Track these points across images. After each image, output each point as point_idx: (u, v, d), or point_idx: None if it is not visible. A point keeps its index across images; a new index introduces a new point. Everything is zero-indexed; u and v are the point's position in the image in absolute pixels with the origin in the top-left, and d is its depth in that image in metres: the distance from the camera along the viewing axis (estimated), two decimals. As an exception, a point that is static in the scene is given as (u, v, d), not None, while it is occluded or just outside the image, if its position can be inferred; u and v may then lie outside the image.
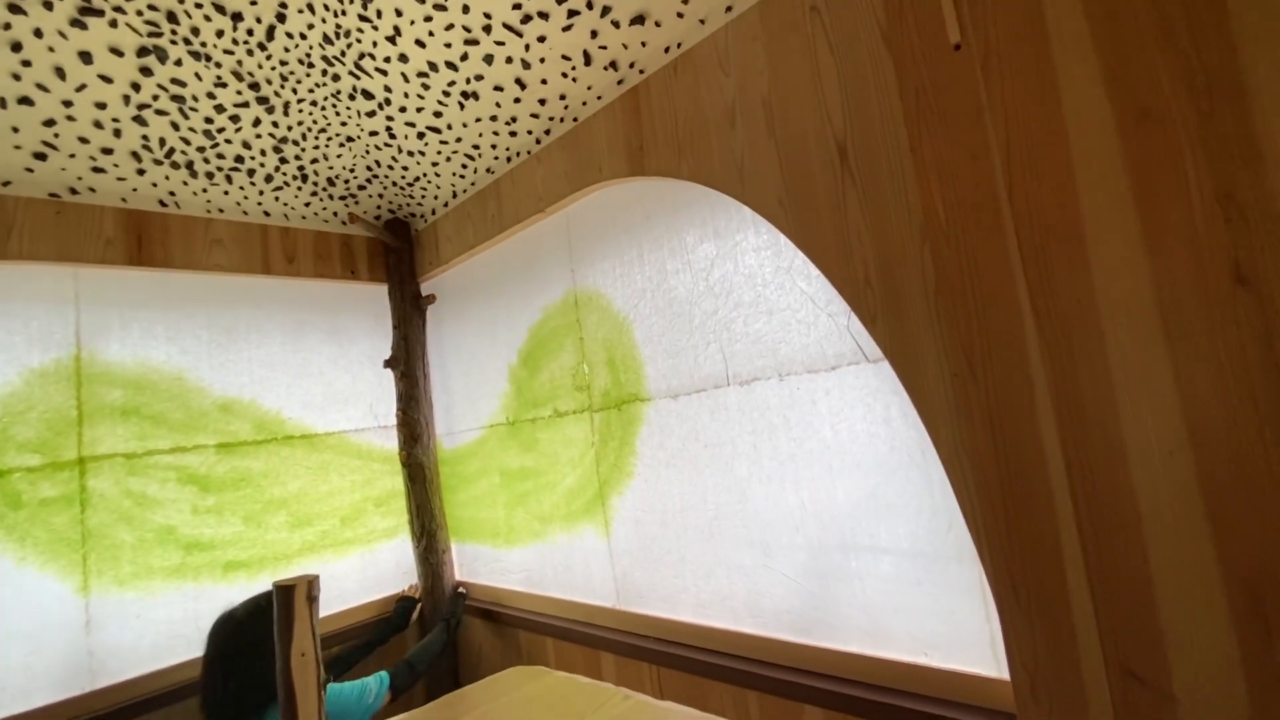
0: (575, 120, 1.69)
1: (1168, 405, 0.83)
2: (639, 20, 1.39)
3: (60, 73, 1.48)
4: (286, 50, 1.64)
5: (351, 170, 2.10)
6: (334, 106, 1.84)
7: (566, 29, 1.44)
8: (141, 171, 1.77)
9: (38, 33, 1.39)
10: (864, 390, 1.18)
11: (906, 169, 1.06)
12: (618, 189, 1.66)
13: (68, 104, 1.54)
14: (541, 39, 1.49)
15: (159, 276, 1.89)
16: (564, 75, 1.58)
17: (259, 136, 1.84)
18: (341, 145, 1.99)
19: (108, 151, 1.68)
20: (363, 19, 1.54)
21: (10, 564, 1.58)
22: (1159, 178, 0.83)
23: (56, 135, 1.60)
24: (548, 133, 1.77)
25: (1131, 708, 0.87)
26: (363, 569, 2.19)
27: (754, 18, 1.26)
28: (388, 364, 2.29)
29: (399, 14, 1.50)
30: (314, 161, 2.00)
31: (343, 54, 1.65)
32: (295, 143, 1.91)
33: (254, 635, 1.45)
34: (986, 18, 0.97)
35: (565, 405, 1.82)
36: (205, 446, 1.92)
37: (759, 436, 1.34)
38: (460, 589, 2.23)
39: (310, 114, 1.84)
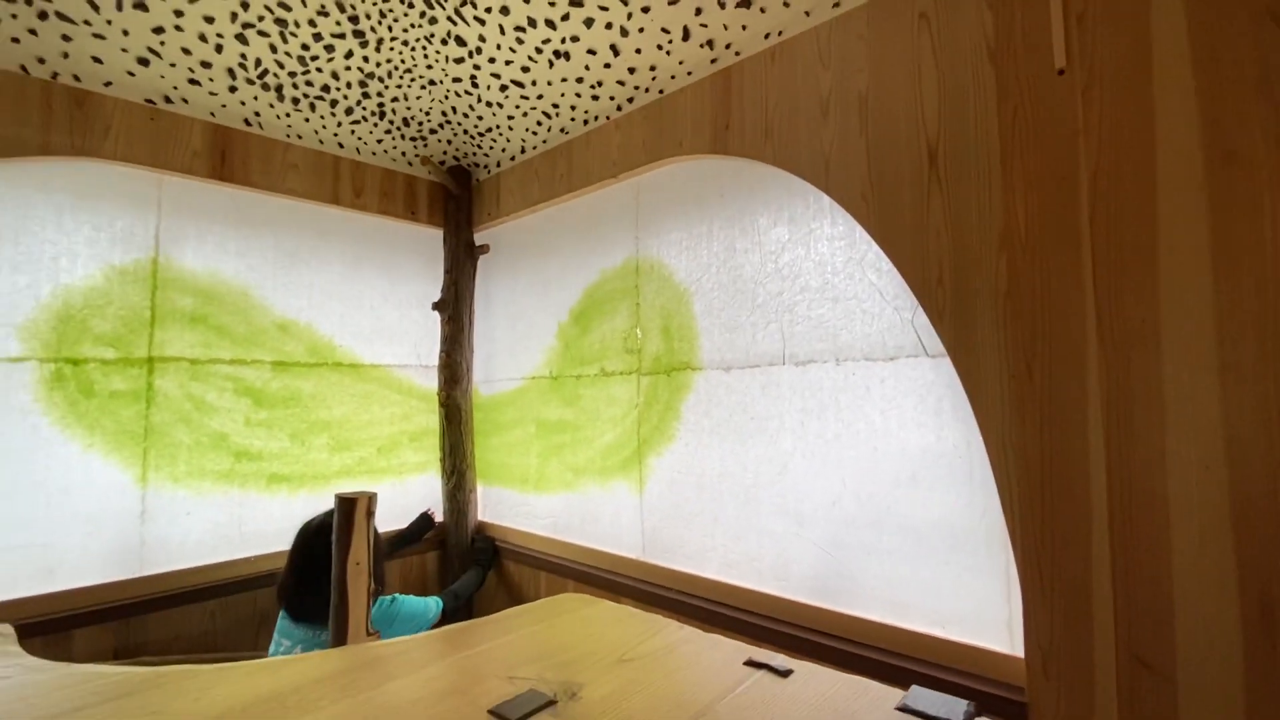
0: (661, 92, 1.75)
1: (1211, 424, 0.91)
2: (745, 3, 1.44)
3: (178, -17, 1.52)
4: (391, -12, 1.68)
5: (427, 113, 2.15)
6: (424, 49, 1.89)
7: (673, 3, 1.49)
8: (233, 89, 1.82)
9: (164, -59, 1.44)
10: (919, 382, 1.26)
11: (994, 180, 1.13)
12: (693, 164, 1.72)
13: (179, 14, 1.59)
14: (645, 9, 1.54)
15: (233, 193, 1.95)
16: (659, 47, 1.63)
17: (348, 69, 1.89)
18: (423, 88, 2.03)
19: (206, 65, 1.73)
20: (473, -33, 1.59)
21: (78, 449, 1.67)
22: (1237, 218, 0.91)
23: (162, 43, 1.64)
24: (630, 101, 1.83)
25: (1135, 688, 0.97)
26: (393, 499, 2.29)
27: (861, 16, 1.32)
28: (436, 306, 2.36)
29: (511, -33, 1.55)
30: (394, 100, 2.05)
31: (445, -1, 1.70)
32: (380, 79, 1.96)
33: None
34: (1094, 47, 1.03)
35: (613, 366, 1.90)
36: (262, 362, 2.00)
37: (808, 415, 1.43)
38: (487, 535, 2.33)
39: (400, 53, 1.89)
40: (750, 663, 0.90)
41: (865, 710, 0.76)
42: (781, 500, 1.47)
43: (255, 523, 1.96)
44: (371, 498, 1.50)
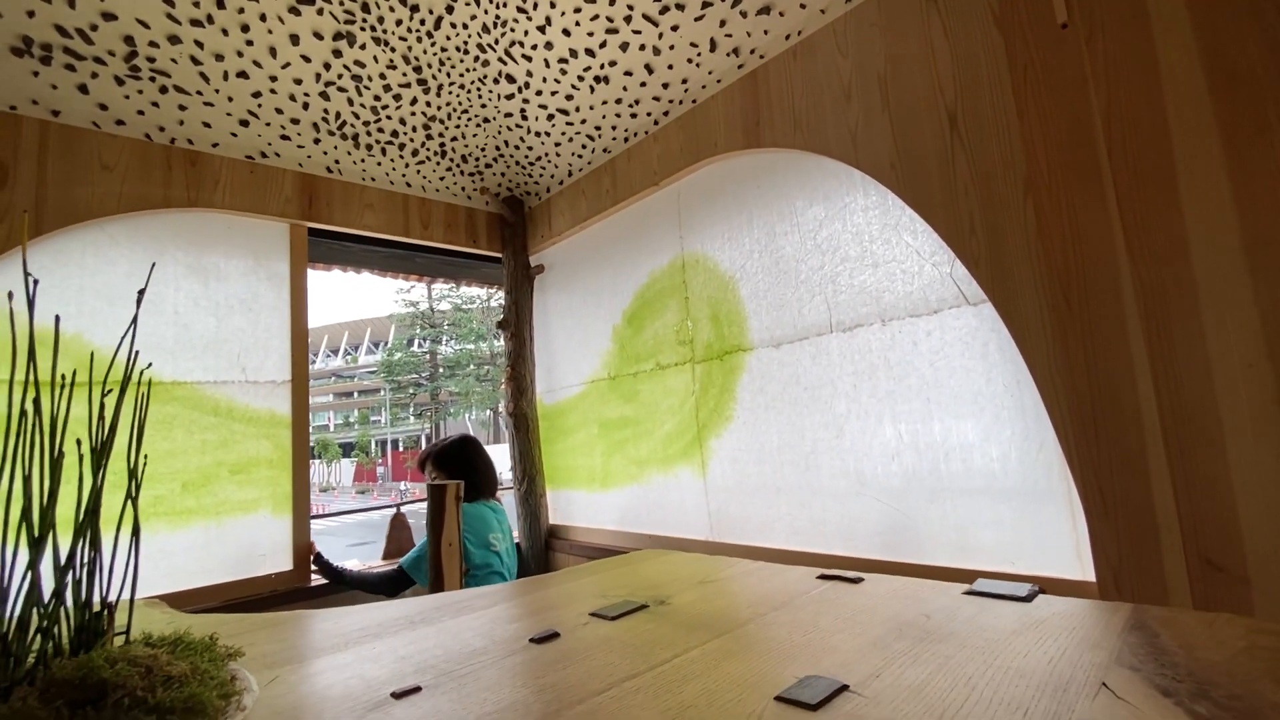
0: (694, 102, 1.90)
1: (1249, 323, 0.96)
2: (765, 11, 1.59)
3: (273, 52, 1.78)
4: (448, 38, 1.91)
5: (483, 149, 2.37)
6: (479, 90, 2.11)
7: (698, 19, 1.66)
8: (317, 141, 2.07)
9: (262, 17, 1.69)
10: (964, 330, 1.33)
11: (1013, 132, 1.21)
12: (729, 162, 1.86)
13: (273, 79, 1.84)
14: (674, 28, 1.70)
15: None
16: (689, 61, 1.79)
17: (413, 115, 2.12)
18: (478, 126, 2.25)
19: (295, 122, 1.99)
20: (520, 10, 1.80)
21: None
22: (1244, 129, 0.97)
23: (260, 106, 1.90)
24: (666, 114, 1.99)
25: (1210, 592, 0.99)
26: (206, 545, 1.85)
27: (873, 6, 1.45)
28: (499, 326, 2.54)
29: (553, 5, 1.75)
30: (453, 140, 2.28)
31: (496, 42, 1.91)
32: (441, 121, 2.19)
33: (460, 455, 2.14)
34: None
35: (667, 359, 2.02)
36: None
37: (859, 377, 1.50)
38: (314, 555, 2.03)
39: (458, 96, 2.12)
40: (823, 576, 0.97)
41: (933, 597, 0.83)
42: (841, 462, 1.54)
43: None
44: (459, 484, 1.65)
